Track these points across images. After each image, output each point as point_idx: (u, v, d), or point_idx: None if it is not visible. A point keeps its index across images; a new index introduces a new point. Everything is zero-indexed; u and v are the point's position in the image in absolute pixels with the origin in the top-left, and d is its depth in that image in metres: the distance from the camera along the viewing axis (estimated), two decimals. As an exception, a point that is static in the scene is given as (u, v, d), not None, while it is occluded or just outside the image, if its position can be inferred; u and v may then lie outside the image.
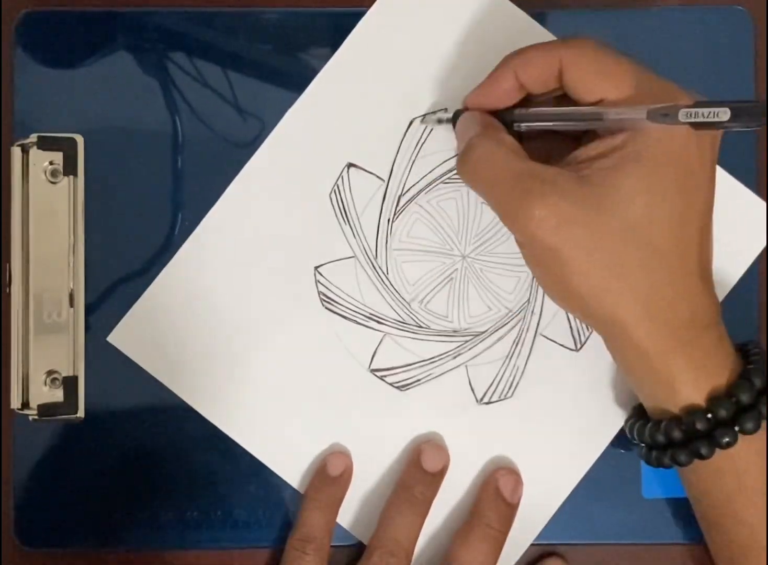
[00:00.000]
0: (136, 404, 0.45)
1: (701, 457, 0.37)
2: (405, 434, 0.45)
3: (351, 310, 0.45)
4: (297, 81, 0.45)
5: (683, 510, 0.44)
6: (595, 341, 0.43)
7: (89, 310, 0.44)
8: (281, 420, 0.44)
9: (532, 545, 0.45)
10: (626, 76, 0.37)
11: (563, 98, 0.39)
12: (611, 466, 0.45)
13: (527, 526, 0.44)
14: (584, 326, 0.45)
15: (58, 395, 0.43)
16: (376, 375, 0.45)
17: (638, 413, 0.42)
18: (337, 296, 0.45)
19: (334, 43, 0.45)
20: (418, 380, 0.45)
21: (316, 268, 0.45)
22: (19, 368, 0.43)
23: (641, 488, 0.44)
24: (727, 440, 0.37)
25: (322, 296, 0.45)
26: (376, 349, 0.45)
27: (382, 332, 0.45)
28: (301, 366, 0.44)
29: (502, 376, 0.45)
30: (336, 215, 0.45)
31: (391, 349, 0.45)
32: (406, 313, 0.45)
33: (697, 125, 0.34)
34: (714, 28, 0.46)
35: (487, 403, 0.45)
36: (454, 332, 0.45)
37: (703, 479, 0.39)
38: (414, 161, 0.45)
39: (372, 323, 0.45)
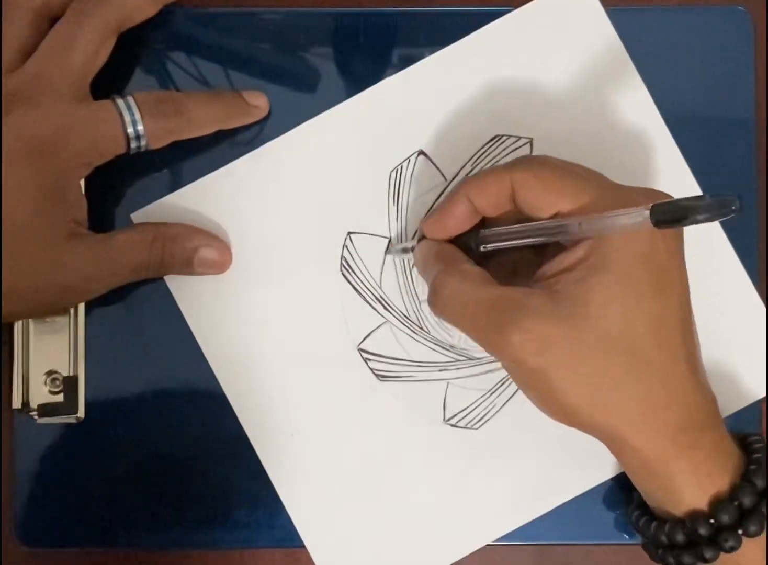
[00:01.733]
0: (136, 404, 0.45)
1: (705, 561, 0.37)
2: (367, 423, 0.44)
3: (364, 286, 0.45)
4: (297, 81, 0.45)
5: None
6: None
7: (89, 310, 0.44)
8: (269, 379, 0.44)
9: (532, 545, 0.45)
10: (576, 188, 0.37)
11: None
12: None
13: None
14: None
15: (58, 395, 0.43)
16: (362, 355, 0.44)
17: (640, 505, 0.41)
18: (358, 267, 0.44)
19: (334, 44, 0.45)
20: (398, 377, 0.45)
21: (349, 233, 0.45)
22: (20, 368, 0.43)
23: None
24: (731, 544, 0.37)
25: (343, 261, 0.45)
26: (372, 331, 0.45)
27: (384, 318, 0.45)
28: (299, 324, 0.44)
29: (477, 407, 0.45)
30: (388, 193, 0.45)
31: (385, 337, 0.45)
32: (414, 310, 0.45)
33: (662, 224, 0.32)
34: (714, 28, 0.46)
35: (452, 425, 0.45)
36: (451, 346, 0.45)
37: None
38: (407, 211, 0.45)
39: (378, 306, 0.45)
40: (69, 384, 0.44)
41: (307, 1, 0.46)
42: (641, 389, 0.36)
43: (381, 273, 0.45)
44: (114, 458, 0.44)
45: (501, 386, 0.45)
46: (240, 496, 0.45)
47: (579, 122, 0.45)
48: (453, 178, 0.45)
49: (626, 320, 0.35)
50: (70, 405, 0.44)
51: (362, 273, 0.45)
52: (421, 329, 0.45)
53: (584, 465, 0.44)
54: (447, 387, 0.45)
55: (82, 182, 0.42)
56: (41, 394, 0.43)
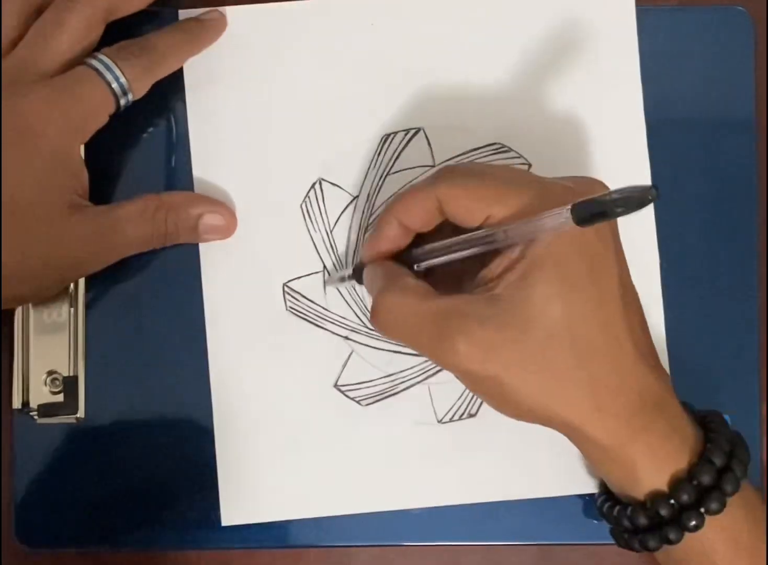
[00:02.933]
0: (137, 403, 0.45)
1: (670, 542, 0.37)
2: (362, 450, 0.44)
3: (316, 318, 0.45)
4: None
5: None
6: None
7: (89, 310, 0.44)
8: (247, 441, 0.44)
9: (532, 545, 0.45)
10: (501, 194, 0.37)
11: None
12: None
13: None
14: None
15: (58, 395, 0.43)
16: (339, 390, 0.44)
17: (606, 491, 0.41)
18: (305, 306, 0.44)
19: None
20: (380, 395, 0.44)
21: (284, 284, 0.45)
22: (20, 368, 0.43)
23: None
24: (693, 523, 0.37)
25: (290, 309, 0.44)
26: (344, 364, 0.44)
27: (346, 333, 0.44)
28: (271, 379, 0.44)
29: (468, 394, 0.45)
30: (306, 226, 0.45)
31: (357, 363, 0.44)
32: (368, 321, 0.45)
33: (584, 223, 0.32)
34: (714, 28, 0.46)
35: (447, 422, 0.44)
36: None
37: (674, 560, 0.39)
38: (385, 178, 0.45)
39: (339, 330, 0.44)
40: (69, 384, 0.44)
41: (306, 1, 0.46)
42: (589, 377, 0.36)
43: (326, 300, 0.45)
44: (114, 458, 0.44)
45: None
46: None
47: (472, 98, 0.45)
48: (359, 194, 0.45)
49: (566, 312, 0.36)
50: (70, 405, 0.44)
51: (310, 312, 0.44)
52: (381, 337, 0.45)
53: None
54: (429, 389, 0.45)
55: (82, 150, 0.42)
56: (41, 394, 0.43)
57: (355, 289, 0.45)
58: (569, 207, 0.32)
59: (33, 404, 0.43)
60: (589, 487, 0.44)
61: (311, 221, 0.45)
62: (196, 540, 0.44)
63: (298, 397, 0.44)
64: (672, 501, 0.37)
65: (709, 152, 0.46)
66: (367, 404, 0.44)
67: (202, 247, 0.44)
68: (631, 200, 0.31)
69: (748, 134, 0.46)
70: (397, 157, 0.45)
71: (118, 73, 0.40)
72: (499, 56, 0.45)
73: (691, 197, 0.46)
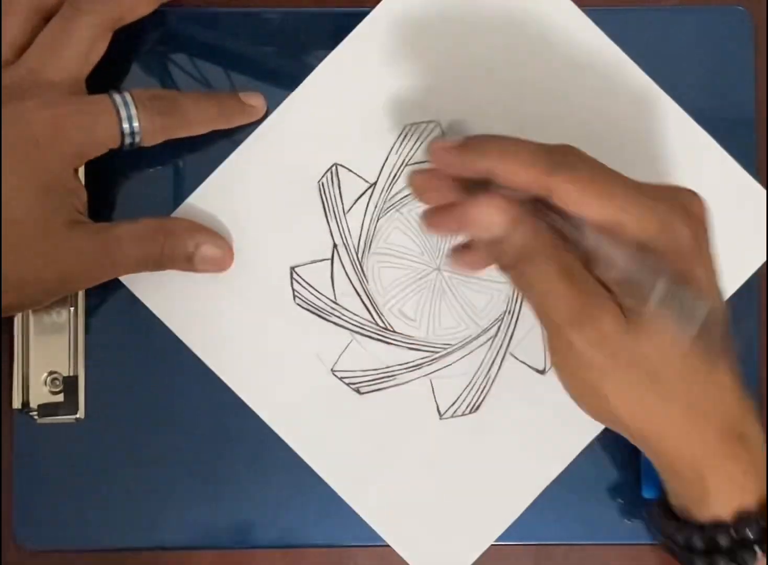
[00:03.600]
0: (136, 404, 0.45)
1: None
2: (359, 439, 0.44)
3: (321, 309, 0.45)
4: (297, 81, 0.45)
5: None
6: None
7: (89, 310, 0.44)
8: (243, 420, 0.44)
9: (532, 545, 0.45)
10: (606, 195, 0.35)
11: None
12: (611, 466, 0.45)
13: (486, 529, 0.44)
14: None
15: (58, 395, 0.43)
16: (336, 376, 0.44)
17: (662, 503, 0.41)
18: (310, 294, 0.45)
19: (335, 44, 0.45)
20: (378, 384, 0.44)
21: (292, 268, 0.45)
22: (20, 368, 0.43)
23: (641, 488, 0.44)
24: (747, 559, 0.37)
25: (296, 294, 0.45)
26: (343, 351, 0.45)
27: (350, 330, 0.45)
28: (268, 362, 0.44)
29: (469, 392, 0.45)
30: (323, 208, 0.45)
31: (357, 352, 0.45)
32: (375, 312, 0.45)
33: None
34: (714, 28, 0.46)
35: (449, 417, 0.44)
36: (422, 341, 0.45)
37: None
38: (402, 169, 0.45)
39: (342, 322, 0.45)
40: (69, 384, 0.44)
41: (307, 2, 0.46)
42: (687, 397, 0.36)
43: (334, 293, 0.45)
44: (114, 458, 0.44)
45: (485, 364, 0.44)
46: (240, 496, 0.45)
47: (487, 100, 0.45)
48: (377, 180, 0.45)
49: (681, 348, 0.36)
50: (70, 405, 0.44)
51: (316, 301, 0.45)
52: (387, 329, 0.45)
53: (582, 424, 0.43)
54: (431, 383, 0.45)
55: (82, 170, 0.42)
56: (41, 394, 0.43)
57: (366, 285, 0.45)
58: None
59: (33, 404, 0.43)
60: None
61: (326, 206, 0.45)
62: (196, 540, 0.45)
63: (294, 381, 0.44)
64: (733, 533, 0.37)
65: (709, 152, 0.46)
66: (365, 392, 0.44)
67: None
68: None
69: (748, 134, 0.46)
70: (418, 148, 0.45)
71: (134, 117, 0.41)
72: (526, 56, 0.45)
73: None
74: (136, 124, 0.41)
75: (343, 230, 0.45)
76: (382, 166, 0.45)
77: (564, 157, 0.36)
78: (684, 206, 0.37)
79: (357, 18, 0.45)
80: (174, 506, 0.44)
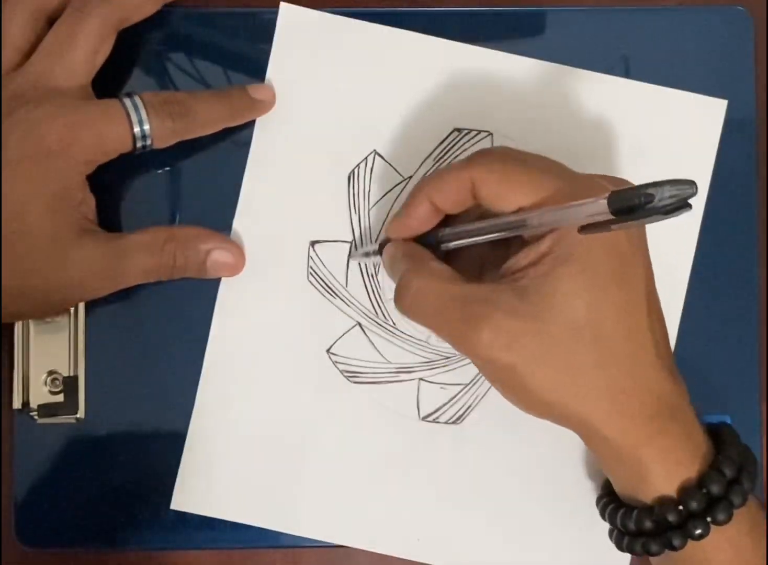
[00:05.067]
0: (137, 403, 0.44)
1: (673, 548, 0.37)
2: (340, 425, 0.44)
3: (332, 290, 0.45)
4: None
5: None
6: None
7: (89, 310, 0.44)
8: (237, 383, 0.44)
9: None
10: (537, 181, 0.37)
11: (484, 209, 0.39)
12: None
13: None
14: None
15: (58, 395, 0.43)
16: (331, 358, 0.44)
17: (609, 493, 0.41)
18: (324, 274, 0.45)
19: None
20: (371, 379, 0.44)
21: (312, 243, 0.45)
22: (20, 368, 0.43)
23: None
24: (699, 531, 0.37)
25: (310, 270, 0.45)
26: (342, 335, 0.45)
27: (355, 320, 0.45)
28: (269, 331, 0.44)
29: (458, 400, 0.44)
30: (349, 197, 0.45)
31: (357, 340, 0.45)
32: (381, 309, 0.45)
33: (620, 214, 0.32)
34: (714, 28, 0.46)
35: (431, 421, 0.44)
36: (423, 343, 0.45)
37: None
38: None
39: (348, 309, 0.45)
40: (69, 384, 0.44)
41: (306, 2, 0.46)
42: (609, 377, 0.36)
43: (346, 277, 0.45)
44: (114, 458, 0.44)
45: (480, 375, 0.44)
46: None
47: (540, 114, 0.45)
48: (411, 176, 0.45)
49: (592, 310, 0.36)
50: (70, 405, 0.44)
51: (329, 279, 0.45)
52: (393, 326, 0.45)
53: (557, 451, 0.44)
54: (419, 384, 0.45)
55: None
56: (41, 394, 0.43)
57: (376, 278, 0.45)
58: (606, 195, 0.32)
59: (33, 404, 0.43)
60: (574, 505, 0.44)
61: (354, 191, 0.45)
62: (196, 540, 0.45)
63: (291, 352, 0.44)
64: (680, 508, 0.37)
65: (709, 152, 0.46)
66: (356, 382, 0.44)
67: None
68: (674, 196, 0.30)
69: (748, 134, 0.46)
70: (460, 154, 0.45)
71: (145, 121, 0.41)
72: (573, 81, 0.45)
73: (691, 197, 0.46)
74: (147, 127, 0.41)
75: (364, 224, 0.45)
76: (421, 164, 0.45)
77: (475, 156, 0.39)
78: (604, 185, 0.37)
79: (356, 18, 0.45)
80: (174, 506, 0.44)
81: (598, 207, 0.32)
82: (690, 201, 0.31)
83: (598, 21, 0.46)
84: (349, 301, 0.45)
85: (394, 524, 0.44)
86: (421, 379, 0.45)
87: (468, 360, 0.44)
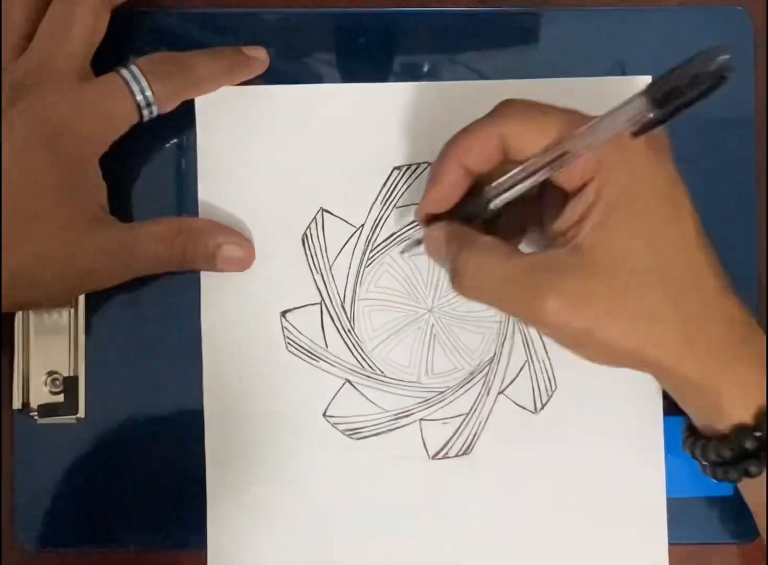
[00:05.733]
0: (136, 404, 0.45)
1: (750, 475, 0.37)
2: (353, 484, 0.44)
3: (313, 355, 0.44)
4: (297, 81, 0.45)
5: (704, 510, 0.45)
6: (555, 403, 0.44)
7: (89, 310, 0.44)
8: (235, 460, 0.44)
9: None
10: (563, 121, 0.37)
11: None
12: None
13: None
14: (545, 388, 0.44)
15: (58, 395, 0.43)
16: (329, 421, 0.44)
17: (691, 428, 0.41)
18: (302, 341, 0.44)
19: (335, 44, 0.45)
20: (371, 429, 0.44)
21: (282, 313, 0.44)
22: (20, 368, 0.43)
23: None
24: None
25: (287, 341, 0.44)
26: (335, 395, 0.44)
27: (343, 378, 0.44)
28: (260, 410, 0.44)
29: (462, 431, 0.44)
30: (307, 260, 0.45)
31: (349, 396, 0.44)
32: (366, 362, 0.45)
33: (663, 102, 0.33)
34: (714, 28, 0.46)
35: (441, 458, 0.44)
36: (415, 384, 0.44)
37: (757, 493, 0.39)
38: (389, 212, 0.45)
39: (333, 370, 0.44)
40: (69, 384, 0.44)
41: (307, 2, 0.46)
42: (683, 315, 0.36)
43: (324, 339, 0.44)
44: (114, 458, 0.44)
45: (477, 404, 0.44)
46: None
47: None
48: (363, 224, 0.45)
49: (651, 251, 0.36)
50: (70, 405, 0.44)
51: (308, 344, 0.44)
52: (381, 374, 0.44)
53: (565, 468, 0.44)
54: (421, 425, 0.44)
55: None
56: (41, 394, 0.43)
57: (353, 332, 0.44)
58: (643, 91, 0.32)
59: (33, 405, 0.43)
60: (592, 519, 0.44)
61: (311, 253, 0.44)
62: (196, 540, 0.44)
63: (288, 423, 0.44)
64: (757, 434, 0.37)
65: (708, 152, 0.46)
66: (359, 438, 0.44)
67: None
68: (709, 74, 0.31)
69: (748, 134, 0.46)
70: (405, 191, 0.45)
71: (146, 88, 0.41)
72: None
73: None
74: (149, 93, 0.41)
75: (329, 283, 0.45)
76: (370, 210, 0.45)
77: (501, 108, 0.38)
78: None
79: (356, 18, 0.45)
80: (174, 506, 0.44)
81: (637, 108, 0.33)
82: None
83: (598, 21, 0.46)
84: (333, 361, 0.45)
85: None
86: (421, 419, 0.44)
87: (464, 389, 0.44)
